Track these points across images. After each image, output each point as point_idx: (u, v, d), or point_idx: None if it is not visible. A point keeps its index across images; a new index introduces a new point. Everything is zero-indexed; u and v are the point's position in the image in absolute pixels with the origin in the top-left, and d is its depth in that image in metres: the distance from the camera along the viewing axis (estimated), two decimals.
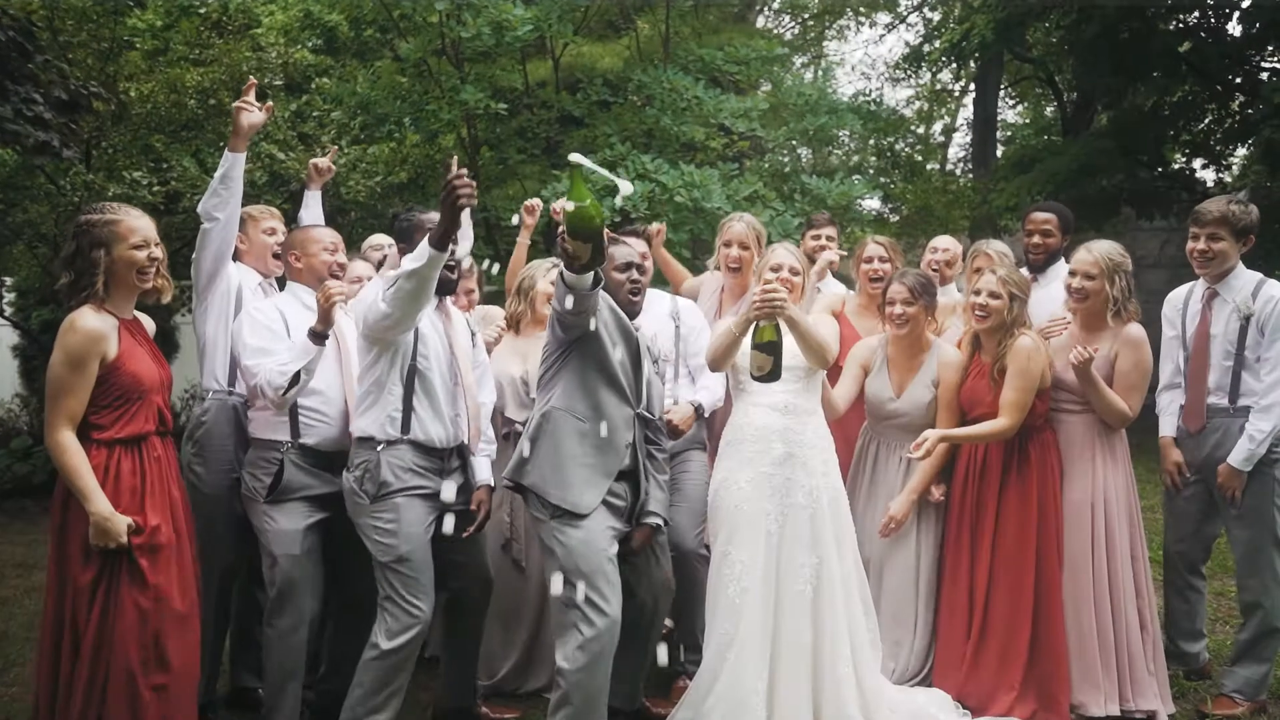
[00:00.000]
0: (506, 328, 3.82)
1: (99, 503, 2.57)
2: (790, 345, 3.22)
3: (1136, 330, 3.45)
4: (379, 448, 2.99)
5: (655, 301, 3.86)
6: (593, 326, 2.95)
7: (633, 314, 3.20)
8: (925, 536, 3.60)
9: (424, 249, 2.74)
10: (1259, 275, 3.58)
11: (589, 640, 2.85)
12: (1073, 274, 3.49)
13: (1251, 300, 3.50)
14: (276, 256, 3.62)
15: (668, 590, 3.27)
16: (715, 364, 3.40)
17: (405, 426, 3.00)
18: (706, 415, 3.75)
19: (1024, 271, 3.88)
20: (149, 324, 2.91)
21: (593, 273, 2.81)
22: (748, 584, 3.20)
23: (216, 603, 3.34)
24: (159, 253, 2.76)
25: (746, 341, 3.18)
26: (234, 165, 3.36)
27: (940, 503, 3.60)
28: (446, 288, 3.13)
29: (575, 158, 2.72)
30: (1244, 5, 8.75)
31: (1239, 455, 3.43)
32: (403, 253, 3.07)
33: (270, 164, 6.13)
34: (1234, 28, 9.21)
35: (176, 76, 6.49)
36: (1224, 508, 3.56)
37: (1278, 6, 8.26)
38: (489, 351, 3.59)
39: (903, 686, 3.46)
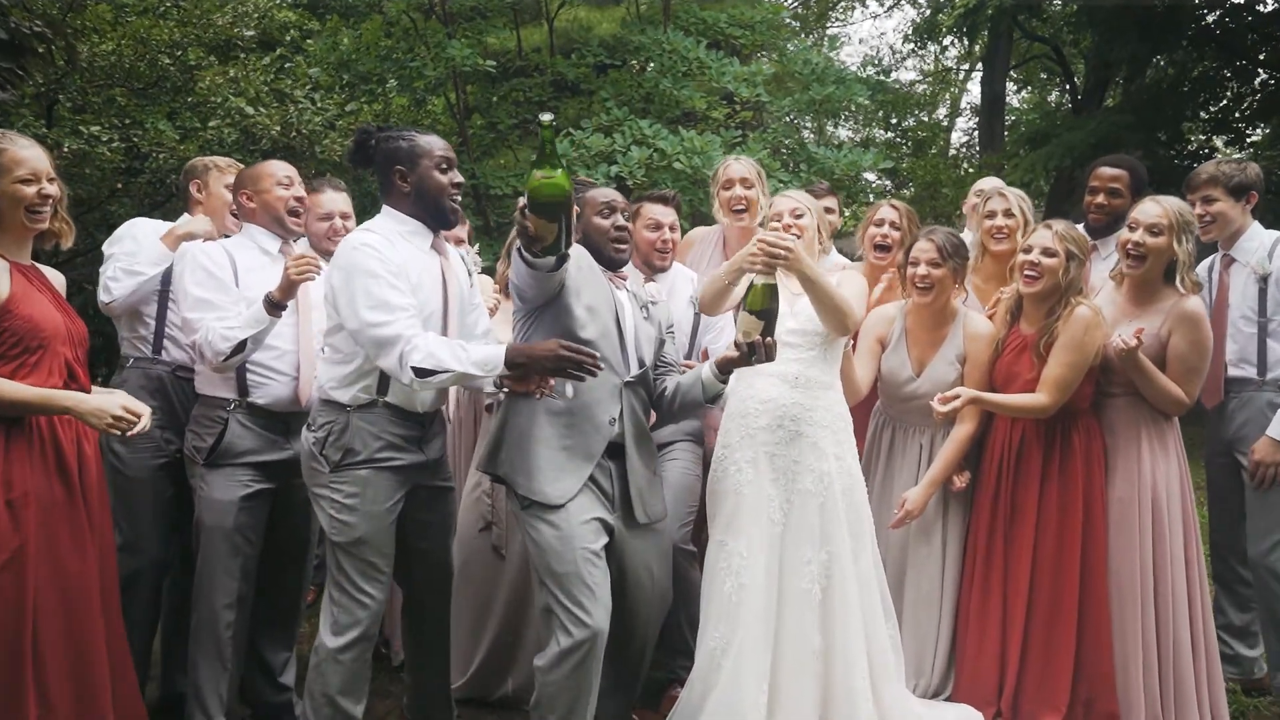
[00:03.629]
0: (501, 291, 3.44)
1: (65, 399, 2.31)
2: (805, 306, 2.83)
3: (1195, 305, 3.00)
4: (349, 409, 2.58)
5: (680, 283, 3.47)
6: (559, 290, 2.58)
7: (617, 265, 2.80)
8: (952, 533, 3.19)
9: (495, 364, 2.39)
10: (1278, 233, 3.29)
11: (567, 650, 2.48)
12: (1133, 228, 3.01)
13: (1269, 260, 3.21)
14: (235, 215, 3.24)
15: (664, 601, 2.87)
16: (703, 308, 3.05)
17: (383, 387, 2.58)
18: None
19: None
20: (58, 278, 2.56)
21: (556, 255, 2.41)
22: (746, 580, 2.84)
23: (146, 600, 2.99)
24: (53, 189, 2.41)
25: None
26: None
27: (965, 494, 3.20)
28: (443, 220, 2.67)
29: (546, 117, 2.30)
30: None
31: (1278, 427, 3.09)
32: (394, 179, 2.60)
33: (240, 120, 5.72)
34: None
35: (141, 27, 6.07)
36: (1248, 486, 3.22)
37: None
38: None
39: (928, 701, 3.08)
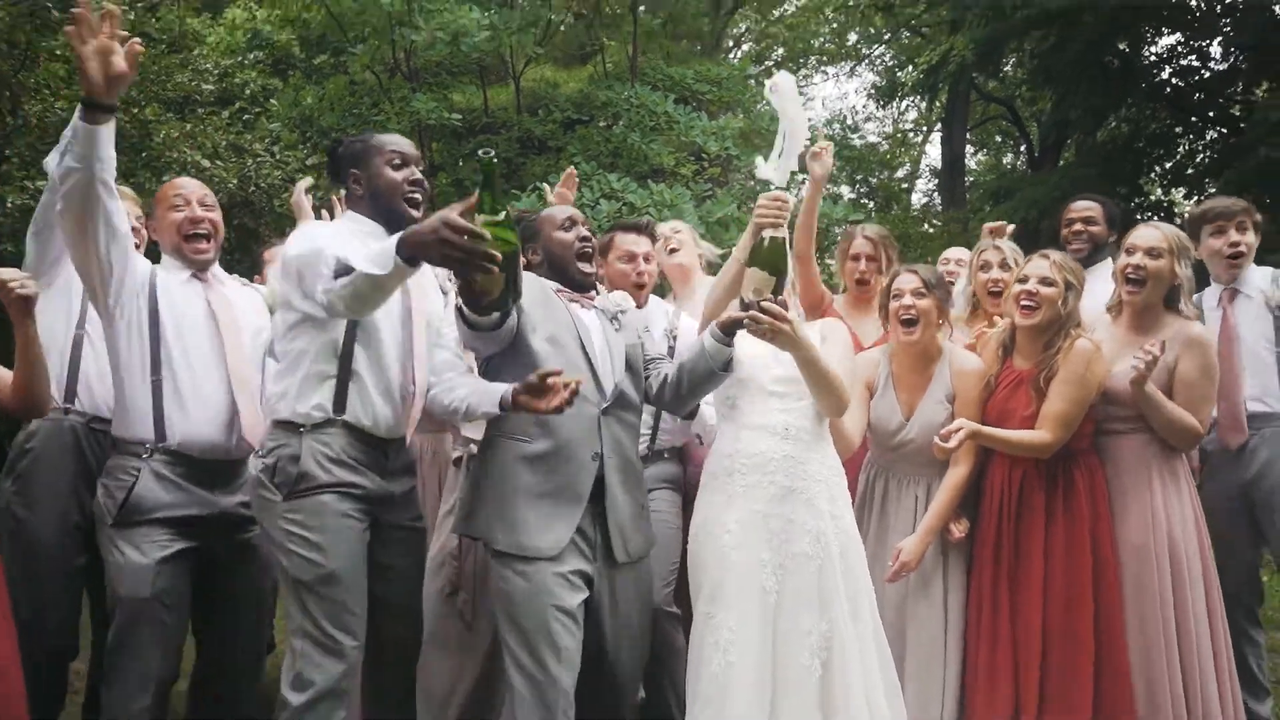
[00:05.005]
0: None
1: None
2: (789, 359, 2.64)
3: (1200, 329, 2.90)
4: (302, 431, 2.32)
5: (655, 316, 3.28)
6: (511, 338, 2.40)
7: (585, 286, 2.62)
8: (954, 585, 2.99)
9: (388, 256, 1.99)
10: (1268, 268, 3.37)
11: (523, 708, 2.26)
12: (1130, 252, 2.90)
13: (1278, 289, 3.23)
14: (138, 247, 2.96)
15: (646, 641, 2.63)
16: (711, 308, 2.84)
17: (340, 404, 2.33)
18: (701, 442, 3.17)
19: None
20: None
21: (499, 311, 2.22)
22: (734, 658, 2.55)
23: (48, 683, 2.64)
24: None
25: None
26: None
27: (964, 542, 3.01)
28: (396, 222, 2.42)
29: (486, 152, 2.07)
30: (1226, 29, 8.59)
31: None
32: (349, 183, 2.43)
33: (196, 174, 5.58)
34: (1215, 52, 9.05)
35: None
36: (1272, 536, 3.08)
37: (1260, 36, 8.10)
38: None
39: None
